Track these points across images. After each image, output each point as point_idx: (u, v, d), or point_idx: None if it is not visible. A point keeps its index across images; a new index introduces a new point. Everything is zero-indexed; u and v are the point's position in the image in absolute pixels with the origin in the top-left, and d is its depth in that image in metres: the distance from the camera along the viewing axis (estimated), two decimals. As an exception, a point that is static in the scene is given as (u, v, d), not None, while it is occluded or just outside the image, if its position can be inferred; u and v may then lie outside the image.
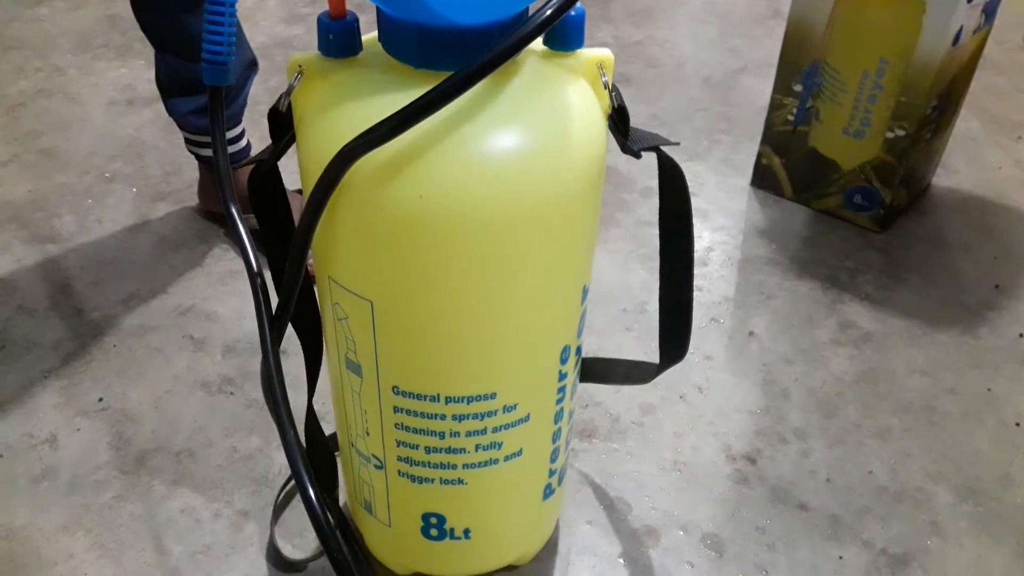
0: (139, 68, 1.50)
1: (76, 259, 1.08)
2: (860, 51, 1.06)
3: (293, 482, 0.80)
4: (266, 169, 0.56)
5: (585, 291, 0.59)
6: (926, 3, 0.98)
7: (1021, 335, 0.99)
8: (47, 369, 0.92)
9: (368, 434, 0.62)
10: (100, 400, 0.89)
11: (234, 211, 0.57)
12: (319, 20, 0.49)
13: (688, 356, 0.67)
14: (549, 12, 0.43)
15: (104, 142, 1.31)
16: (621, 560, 0.75)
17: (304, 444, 0.69)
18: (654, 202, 1.21)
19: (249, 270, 0.55)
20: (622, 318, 1.00)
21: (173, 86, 1.02)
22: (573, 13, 0.50)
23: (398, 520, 0.66)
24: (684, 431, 0.86)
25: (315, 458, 0.70)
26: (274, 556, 0.74)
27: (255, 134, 1.31)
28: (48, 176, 1.23)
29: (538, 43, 0.52)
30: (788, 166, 1.19)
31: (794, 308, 1.02)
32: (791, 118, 1.16)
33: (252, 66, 1.04)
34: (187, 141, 1.08)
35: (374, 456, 0.63)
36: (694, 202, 1.21)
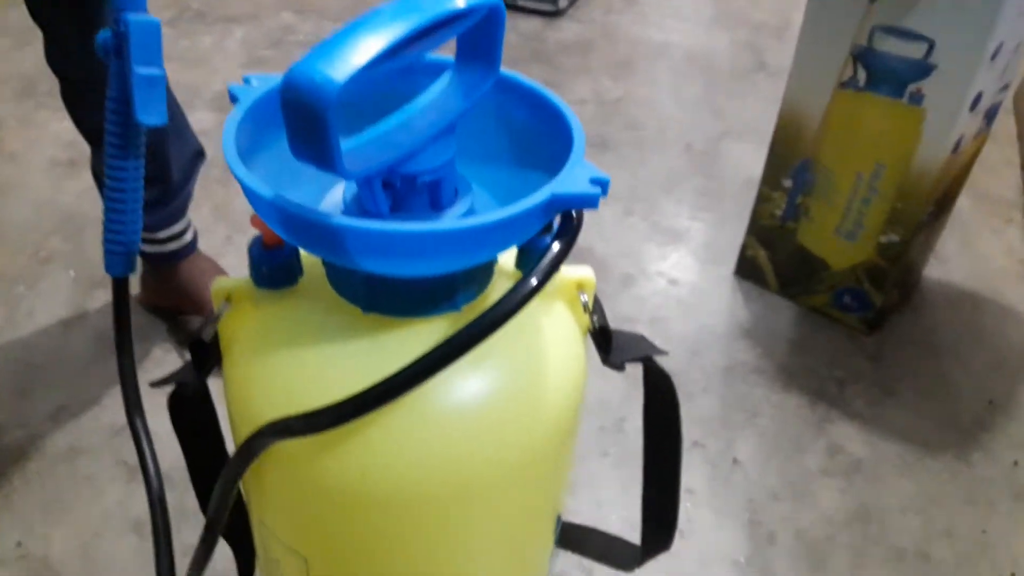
0: (85, 120, 1.39)
1: (3, 362, 0.98)
2: (855, 153, 1.00)
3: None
4: (188, 394, 0.47)
5: (558, 520, 0.52)
6: (926, 111, 0.92)
7: (1016, 463, 0.94)
8: (-38, 503, 0.83)
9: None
10: (18, 545, 0.80)
11: (140, 432, 0.50)
12: (250, 250, 0.41)
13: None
14: (535, 282, 0.35)
15: (42, 213, 1.21)
16: None
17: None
18: (634, 293, 1.14)
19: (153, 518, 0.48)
20: (598, 439, 0.93)
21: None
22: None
23: None
24: (664, 587, 0.80)
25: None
26: None
27: (206, 204, 1.23)
28: (-23, 254, 1.13)
29: (509, 262, 0.45)
30: (774, 260, 1.13)
31: (781, 429, 0.96)
32: (779, 212, 1.10)
33: (198, 156, 0.95)
34: (127, 232, 0.99)
35: None
36: (677, 294, 1.15)
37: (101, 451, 0.89)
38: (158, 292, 1.01)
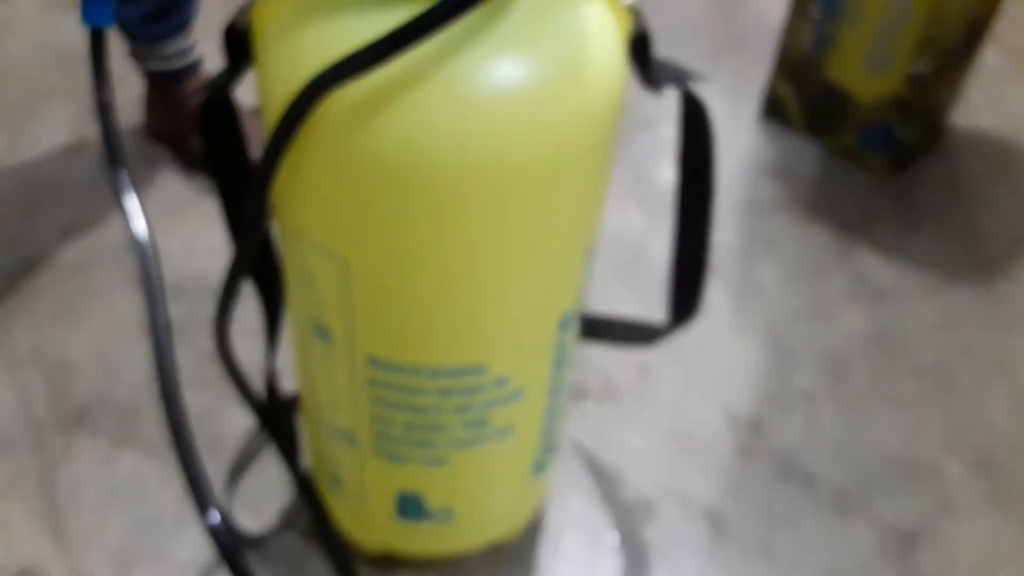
0: (79, -37, 1.33)
1: (7, 183, 0.96)
2: (889, -28, 0.95)
3: (249, 445, 0.72)
4: (219, 97, 0.45)
5: (591, 251, 0.50)
6: (969, -80, 0.87)
7: (1039, 292, 0.93)
8: (-26, 309, 0.82)
9: (338, 407, 0.54)
10: (36, 347, 0.79)
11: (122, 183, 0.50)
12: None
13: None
14: None
15: (38, 51, 1.16)
16: (614, 538, 0.68)
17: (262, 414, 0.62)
18: (656, 135, 1.11)
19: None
20: (616, 266, 0.92)
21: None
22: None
23: (371, 499, 0.59)
24: (684, 393, 0.80)
25: (276, 427, 0.62)
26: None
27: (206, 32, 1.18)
28: (-25, 86, 1.10)
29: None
30: (801, 97, 1.10)
31: (804, 257, 0.95)
32: (807, 45, 1.06)
33: (204, -35, 0.90)
34: (133, 52, 0.95)
35: (345, 431, 0.55)
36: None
37: (110, 266, 0.87)
38: (164, 117, 0.98)
